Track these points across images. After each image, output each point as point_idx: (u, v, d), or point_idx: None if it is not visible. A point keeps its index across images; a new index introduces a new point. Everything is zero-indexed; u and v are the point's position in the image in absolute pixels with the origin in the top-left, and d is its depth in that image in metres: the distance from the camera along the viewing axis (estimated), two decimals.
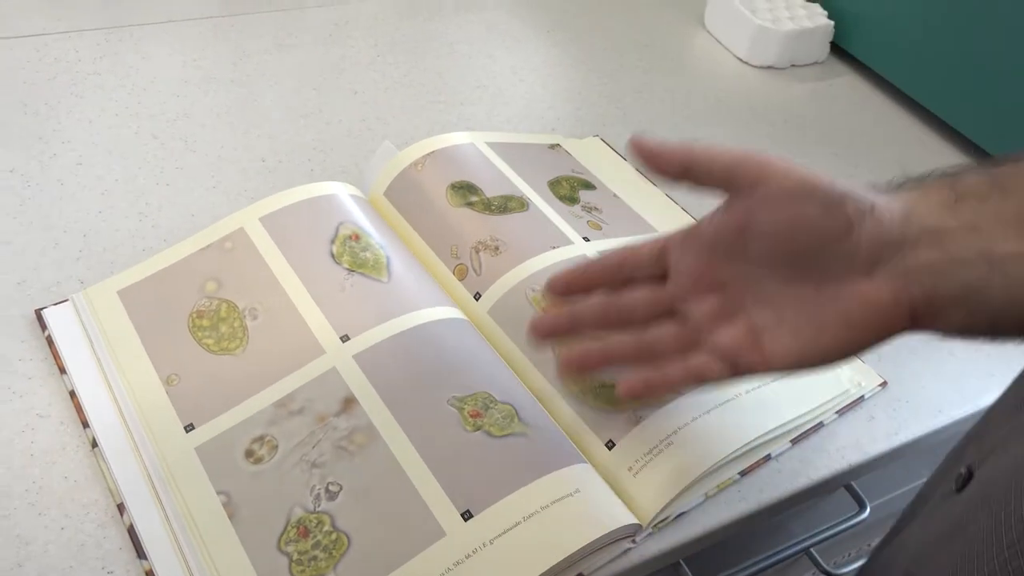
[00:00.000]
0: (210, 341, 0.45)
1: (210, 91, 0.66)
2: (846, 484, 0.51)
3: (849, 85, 0.81)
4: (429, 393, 0.43)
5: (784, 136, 0.73)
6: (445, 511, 0.39)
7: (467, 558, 0.37)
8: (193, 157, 0.60)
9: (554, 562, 0.37)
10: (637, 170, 0.65)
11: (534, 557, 0.38)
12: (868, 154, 0.72)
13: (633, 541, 0.42)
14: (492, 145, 0.59)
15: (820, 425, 0.49)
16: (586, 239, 0.53)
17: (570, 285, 0.41)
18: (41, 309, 0.47)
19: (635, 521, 0.41)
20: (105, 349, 0.45)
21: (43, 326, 0.46)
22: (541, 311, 0.45)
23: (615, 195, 0.60)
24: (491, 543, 0.38)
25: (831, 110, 0.77)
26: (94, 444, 0.42)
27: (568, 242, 0.53)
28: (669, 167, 0.39)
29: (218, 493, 0.40)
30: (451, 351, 0.45)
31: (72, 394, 0.44)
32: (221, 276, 0.48)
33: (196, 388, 0.43)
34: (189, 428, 0.42)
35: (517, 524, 0.38)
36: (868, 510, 0.52)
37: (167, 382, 0.44)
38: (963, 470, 0.35)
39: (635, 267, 0.40)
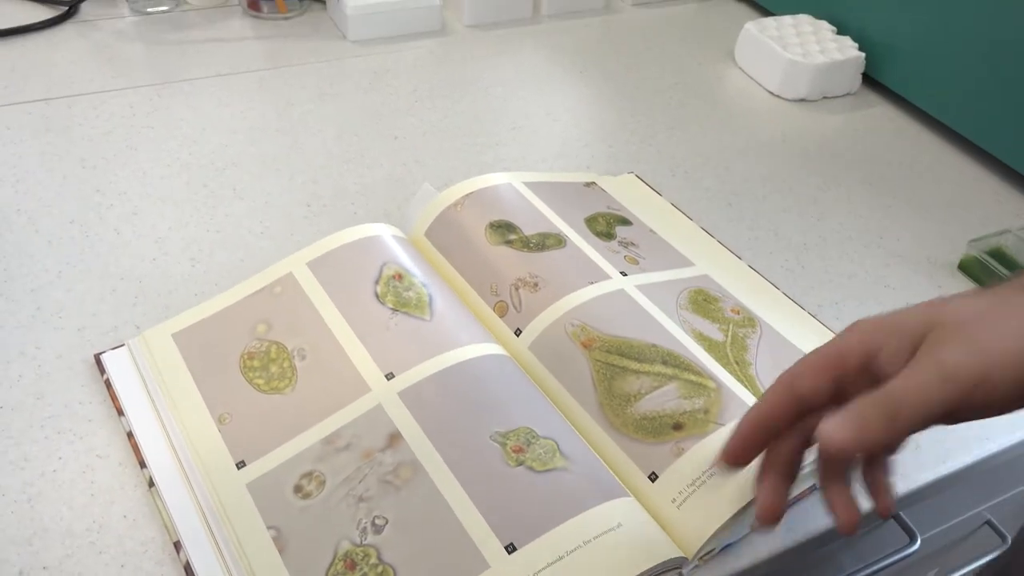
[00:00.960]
0: (260, 381, 0.47)
1: (256, 140, 0.69)
2: (895, 515, 0.51)
3: (883, 115, 0.81)
4: (472, 428, 0.44)
5: (819, 168, 0.73)
6: (489, 544, 0.39)
7: None
8: (241, 204, 0.63)
9: None
10: (673, 205, 0.65)
11: None
12: (904, 183, 0.72)
13: (680, 574, 0.41)
14: (529, 184, 0.61)
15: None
16: (623, 274, 0.54)
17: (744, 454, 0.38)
18: (100, 354, 0.49)
19: (680, 554, 0.41)
20: (160, 390, 0.47)
21: (102, 370, 0.49)
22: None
23: (651, 230, 0.61)
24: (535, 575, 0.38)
25: (865, 140, 0.77)
26: (151, 483, 0.43)
27: (606, 277, 0.53)
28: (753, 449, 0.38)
29: (268, 528, 0.41)
30: (493, 387, 0.46)
31: (129, 435, 0.45)
32: (271, 319, 0.49)
33: (247, 426, 0.45)
34: (241, 465, 0.43)
35: (560, 558, 0.39)
36: (919, 542, 0.51)
37: (219, 421, 0.45)
38: None
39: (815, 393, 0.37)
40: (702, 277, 0.57)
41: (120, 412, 0.46)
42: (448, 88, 0.78)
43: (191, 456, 0.44)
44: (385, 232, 0.55)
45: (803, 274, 0.62)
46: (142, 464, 0.44)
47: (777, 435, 0.38)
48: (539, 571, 0.38)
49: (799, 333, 0.54)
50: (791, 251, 0.64)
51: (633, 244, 0.58)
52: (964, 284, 0.63)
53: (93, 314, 0.53)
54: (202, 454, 0.44)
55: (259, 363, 0.47)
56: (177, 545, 0.41)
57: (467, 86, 0.79)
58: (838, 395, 0.36)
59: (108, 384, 0.48)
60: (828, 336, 0.55)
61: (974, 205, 0.71)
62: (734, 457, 0.38)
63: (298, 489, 0.42)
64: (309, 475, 0.42)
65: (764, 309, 0.55)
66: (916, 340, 0.34)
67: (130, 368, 0.48)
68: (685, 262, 0.58)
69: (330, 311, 0.49)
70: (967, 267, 0.63)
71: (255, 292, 0.51)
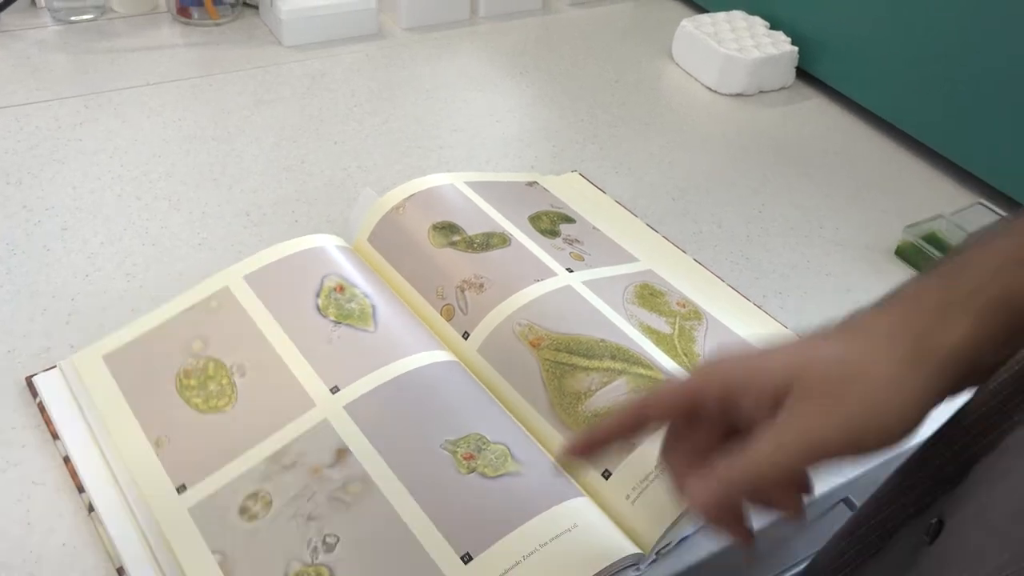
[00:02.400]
0: (198, 400, 0.45)
1: (191, 150, 0.67)
2: (844, 498, 0.52)
3: (817, 108, 0.82)
4: (422, 438, 0.43)
5: (758, 160, 0.74)
6: (445, 556, 0.39)
7: None
8: (178, 216, 0.61)
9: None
10: (617, 202, 0.66)
11: None
12: (841, 173, 0.74)
13: (637, 570, 0.41)
14: (471, 184, 0.60)
15: None
16: (569, 270, 0.54)
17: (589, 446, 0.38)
18: (31, 376, 0.47)
19: (637, 550, 0.41)
20: (93, 415, 0.45)
21: (34, 393, 0.47)
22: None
23: (595, 227, 0.61)
24: None
25: (801, 132, 0.79)
26: (90, 508, 0.42)
27: (552, 274, 0.53)
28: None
29: (213, 552, 0.39)
30: (442, 394, 0.45)
31: (66, 460, 0.44)
32: (207, 335, 0.48)
33: (186, 448, 0.43)
34: (181, 489, 0.42)
35: (518, 563, 0.38)
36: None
37: (156, 445, 0.44)
38: (935, 520, 0.34)
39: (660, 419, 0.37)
40: (646, 272, 0.57)
41: (55, 436, 0.45)
42: (388, 92, 0.77)
43: (129, 482, 0.42)
44: (326, 243, 0.54)
45: (747, 266, 0.62)
46: (80, 489, 0.42)
47: (616, 443, 0.38)
48: None
49: (744, 324, 0.55)
50: (735, 243, 0.64)
51: (578, 241, 0.58)
52: (902, 269, 0.64)
53: (23, 335, 0.51)
54: (140, 480, 0.42)
55: (196, 381, 0.46)
56: (120, 572, 0.39)
57: (407, 89, 0.78)
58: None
59: (41, 408, 0.46)
60: (773, 326, 0.56)
61: (908, 192, 0.73)
62: (576, 445, 0.38)
63: (244, 511, 0.41)
64: (255, 496, 0.41)
65: (709, 301, 0.56)
66: (779, 393, 0.33)
67: (63, 391, 0.46)
68: (629, 258, 0.58)
69: (270, 325, 0.48)
70: (904, 252, 0.65)
71: (189, 308, 0.49)
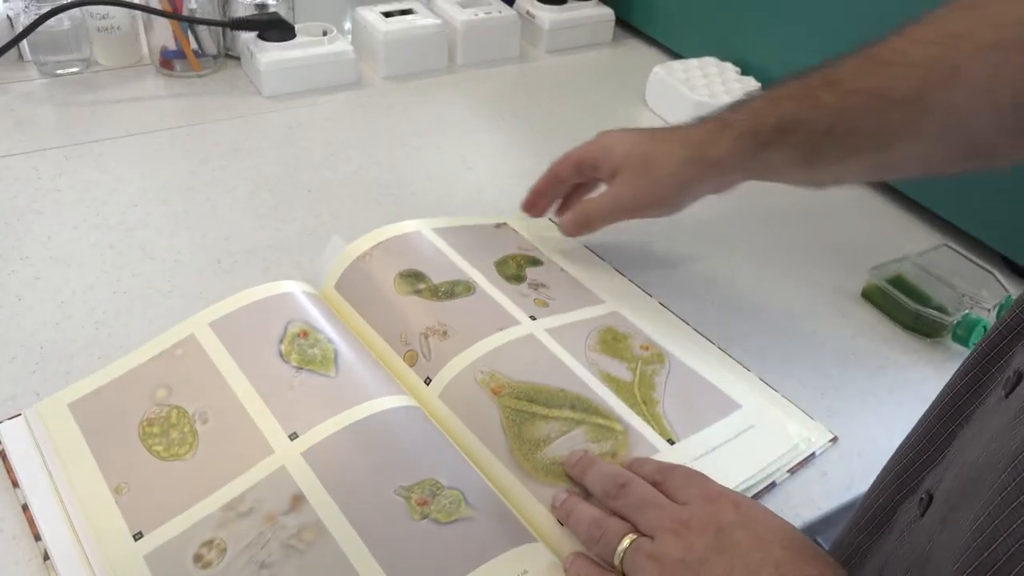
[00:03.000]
0: (160, 448, 0.46)
1: (167, 199, 0.69)
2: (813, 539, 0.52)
3: None
4: (376, 484, 0.43)
5: (727, 201, 0.74)
6: None
7: None
8: (150, 264, 0.62)
9: None
10: (585, 246, 0.67)
11: None
12: (809, 214, 0.75)
13: None
14: (439, 231, 0.61)
15: (773, 485, 0.49)
16: (533, 318, 0.55)
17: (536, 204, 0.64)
18: None
19: None
20: (56, 462, 0.45)
21: None
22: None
23: (562, 269, 0.62)
24: None
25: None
26: (46, 556, 0.42)
27: (515, 322, 0.54)
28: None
29: None
30: (399, 439, 0.46)
31: (25, 508, 0.44)
32: (171, 383, 0.48)
33: (145, 496, 0.44)
34: (138, 536, 0.42)
35: None
36: None
37: (116, 491, 0.44)
38: (924, 495, 0.37)
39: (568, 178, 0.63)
40: (612, 315, 0.58)
41: (15, 484, 0.45)
42: (363, 140, 0.79)
43: (87, 529, 0.42)
44: (293, 289, 0.55)
45: (711, 308, 0.63)
46: (37, 537, 0.43)
47: (553, 195, 0.64)
48: None
49: (707, 366, 0.55)
50: (701, 285, 0.65)
51: (543, 285, 0.59)
52: (867, 311, 0.65)
53: None
54: (97, 527, 0.42)
55: (159, 429, 0.46)
56: None
57: (383, 137, 0.80)
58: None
59: (3, 455, 0.46)
60: (736, 368, 0.56)
61: (875, 232, 0.74)
62: (530, 208, 0.64)
63: (198, 559, 0.41)
64: (209, 543, 0.41)
65: (673, 344, 0.56)
66: (615, 170, 0.59)
67: (26, 439, 0.47)
68: (595, 300, 0.59)
69: (233, 372, 0.48)
70: (869, 295, 0.66)
71: (155, 356, 0.50)
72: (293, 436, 0.45)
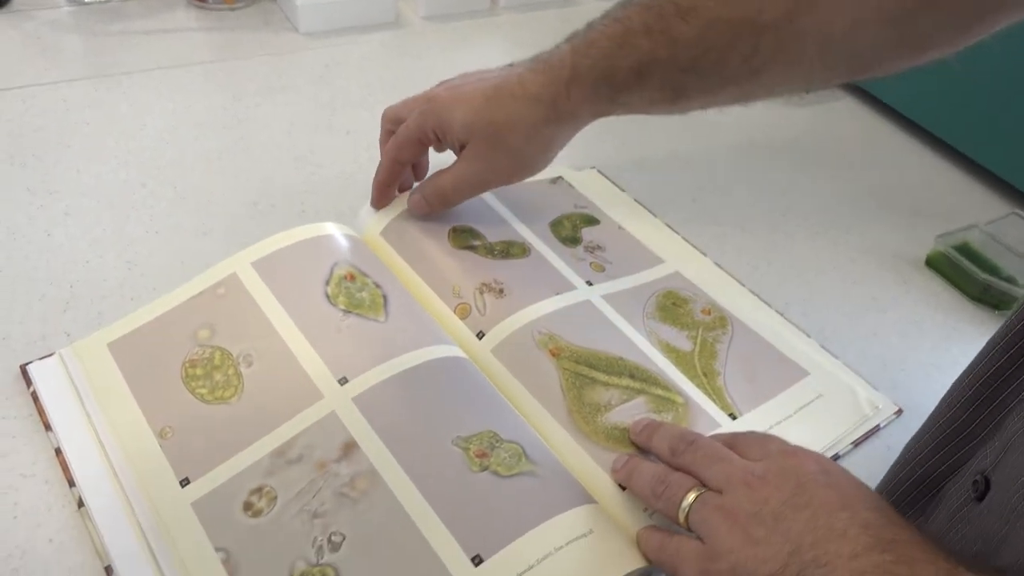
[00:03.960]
0: (204, 391, 0.43)
1: (200, 136, 0.66)
2: None
3: (847, 110, 0.80)
4: (432, 434, 0.41)
5: (784, 162, 0.72)
6: (454, 557, 0.37)
7: None
8: (183, 203, 0.59)
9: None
10: (636, 201, 0.64)
11: None
12: (869, 178, 0.72)
13: None
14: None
15: (836, 457, 0.47)
16: (589, 283, 0.52)
17: (386, 196, 0.56)
18: (26, 364, 0.45)
19: (650, 566, 0.38)
20: (95, 404, 0.43)
21: (28, 381, 0.45)
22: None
23: (620, 227, 0.59)
24: None
25: (830, 135, 0.77)
26: (80, 504, 0.40)
27: (571, 287, 0.51)
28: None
29: (217, 550, 0.37)
30: (453, 390, 0.43)
31: (58, 452, 0.42)
32: (214, 323, 0.46)
33: (191, 440, 0.41)
34: (184, 482, 0.40)
35: (531, 567, 0.36)
36: None
37: (160, 435, 0.42)
38: (979, 477, 0.35)
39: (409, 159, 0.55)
40: (673, 276, 0.55)
41: (47, 427, 0.43)
42: (403, 82, 0.75)
43: (130, 474, 0.40)
44: (336, 231, 0.52)
45: (769, 271, 0.60)
46: (71, 483, 0.40)
47: (399, 179, 0.55)
48: None
49: (771, 331, 0.52)
50: (757, 247, 0.62)
51: (599, 248, 0.56)
52: (931, 279, 0.62)
53: (19, 322, 0.49)
54: (141, 471, 0.40)
55: (202, 371, 0.44)
56: (108, 570, 0.37)
57: (423, 79, 0.76)
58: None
59: (35, 397, 0.44)
60: (798, 334, 0.53)
61: (939, 200, 0.70)
62: (383, 203, 0.55)
63: (248, 507, 0.39)
64: (259, 491, 0.39)
65: (735, 307, 0.53)
66: (462, 140, 0.51)
67: (61, 380, 0.44)
68: (655, 260, 0.56)
69: (278, 313, 0.46)
70: (934, 262, 0.63)
71: (196, 295, 0.47)
72: (343, 381, 0.43)
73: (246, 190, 0.61)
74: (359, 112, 0.71)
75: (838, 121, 0.79)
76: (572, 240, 0.56)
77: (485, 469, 0.40)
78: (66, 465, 0.41)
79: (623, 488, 0.41)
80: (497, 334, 0.47)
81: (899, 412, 0.50)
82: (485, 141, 0.50)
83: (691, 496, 0.37)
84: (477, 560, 0.36)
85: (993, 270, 0.60)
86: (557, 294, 0.50)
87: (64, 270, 0.53)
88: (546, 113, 0.49)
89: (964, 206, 0.69)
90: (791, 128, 0.77)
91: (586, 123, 0.52)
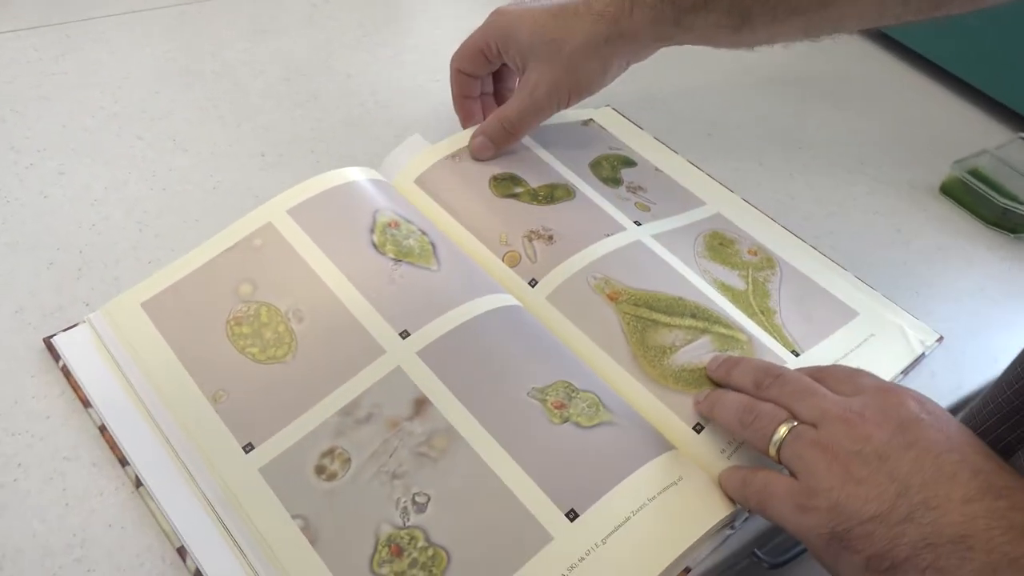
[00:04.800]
0: (255, 350, 0.41)
1: (191, 85, 0.61)
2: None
3: (848, 40, 0.80)
4: (506, 387, 0.39)
5: (792, 95, 0.71)
6: (548, 512, 0.35)
7: (580, 561, 0.34)
8: (185, 157, 0.55)
9: (674, 556, 0.35)
10: (656, 139, 0.62)
11: (652, 553, 0.35)
12: (874, 108, 0.72)
13: (732, 527, 0.39)
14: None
15: None
16: (637, 223, 0.51)
17: (469, 110, 0.56)
18: (51, 337, 0.42)
19: (734, 507, 0.38)
20: (137, 371, 0.40)
21: (55, 356, 0.41)
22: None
23: (656, 168, 0.57)
24: (604, 543, 0.35)
25: (833, 66, 0.76)
26: (137, 483, 0.37)
27: (621, 228, 0.50)
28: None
29: (294, 518, 0.35)
30: (519, 340, 0.42)
31: (102, 429, 0.39)
32: (255, 277, 0.43)
33: (248, 403, 0.39)
34: (248, 448, 0.38)
35: (628, 519, 0.35)
36: None
37: (214, 399, 0.39)
38: None
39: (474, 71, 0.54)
40: (715, 217, 0.54)
41: (86, 403, 0.39)
42: (396, 20, 0.72)
43: (187, 443, 0.38)
44: (365, 176, 0.49)
45: (794, 205, 0.60)
46: (123, 462, 0.38)
47: (473, 92, 0.56)
48: (607, 536, 0.35)
49: (816, 270, 0.52)
50: (778, 182, 0.62)
51: (641, 188, 0.54)
52: (947, 206, 0.62)
53: (30, 293, 0.45)
54: (200, 440, 0.38)
55: (249, 329, 0.41)
56: (182, 552, 0.35)
57: (417, 17, 0.73)
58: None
59: (66, 372, 0.40)
60: (838, 270, 0.53)
61: (945, 128, 0.71)
62: (469, 118, 0.56)
63: (320, 470, 0.37)
64: (331, 453, 0.37)
65: (779, 247, 0.53)
66: (525, 56, 0.51)
67: (93, 350, 0.41)
68: (696, 202, 0.55)
69: (324, 264, 0.43)
70: (950, 189, 0.63)
71: (231, 247, 0.44)
72: (404, 334, 0.41)
73: (251, 140, 0.57)
74: (357, 54, 0.67)
75: (840, 52, 0.78)
76: (613, 181, 0.54)
77: (566, 421, 0.38)
78: (114, 443, 0.38)
79: (698, 431, 0.40)
80: (551, 281, 0.46)
81: (940, 339, 0.51)
82: (545, 57, 0.50)
83: (783, 429, 0.36)
84: (572, 515, 0.35)
85: (1009, 194, 0.61)
86: (607, 236, 0.48)
87: (68, 234, 0.49)
88: (607, 30, 0.49)
89: (969, 134, 0.70)
90: (794, 59, 0.76)
91: (648, 49, 0.52)
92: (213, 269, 0.43)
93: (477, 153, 0.52)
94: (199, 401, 0.39)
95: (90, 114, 0.57)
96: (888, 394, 0.36)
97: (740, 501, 0.37)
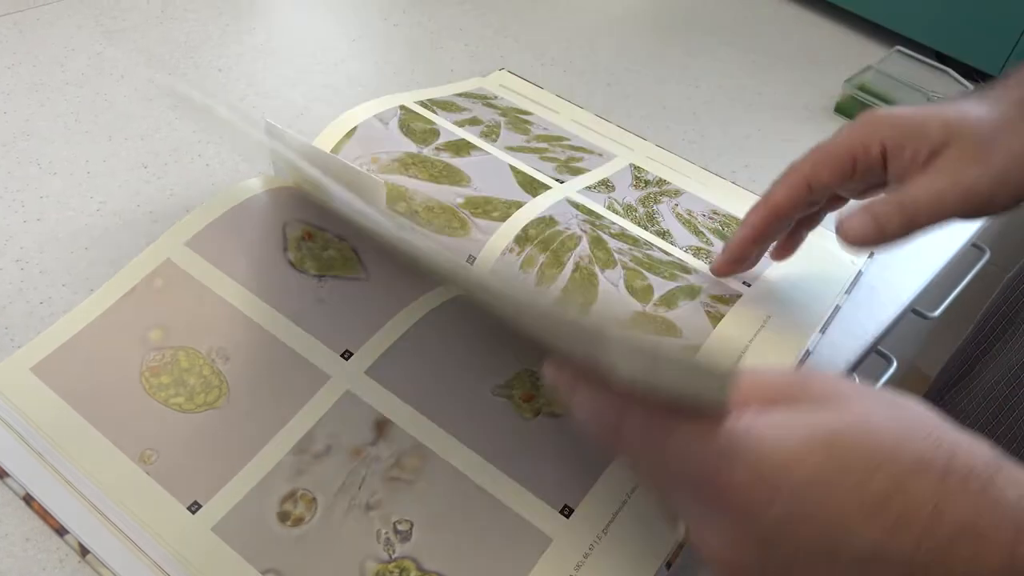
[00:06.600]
0: (180, 399, 0.37)
1: (45, 99, 0.54)
2: (876, 348, 0.52)
3: None
4: (468, 389, 0.37)
5: (677, 35, 0.71)
6: (541, 514, 0.34)
7: (586, 558, 0.33)
8: (57, 181, 0.49)
9: (681, 538, 0.34)
10: (558, 96, 0.60)
11: (658, 530, 0.34)
12: (757, 40, 0.72)
13: None
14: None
15: (837, 308, 0.48)
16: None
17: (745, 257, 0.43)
18: None
19: None
20: (43, 443, 0.35)
21: None
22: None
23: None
24: (605, 532, 0.33)
25: (709, 3, 0.76)
26: (83, 551, 0.33)
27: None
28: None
29: (264, 573, 0.32)
30: (469, 336, 0.39)
31: (28, 499, 0.34)
32: (164, 321, 0.38)
33: (184, 459, 0.35)
34: (194, 508, 0.34)
35: (624, 503, 0.34)
36: (895, 363, 0.55)
37: (143, 461, 0.35)
38: None
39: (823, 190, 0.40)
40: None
41: (2, 473, 0.35)
42: (258, 5, 0.66)
43: (122, 514, 0.34)
44: (266, 187, 0.44)
45: (704, 143, 0.59)
46: (60, 531, 0.33)
47: (776, 233, 0.42)
48: (607, 525, 0.34)
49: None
50: (685, 122, 0.61)
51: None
52: (841, 124, 0.64)
53: None
54: (135, 509, 0.34)
55: (169, 378, 0.37)
56: None
57: (280, 4, 0.67)
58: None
59: None
60: (750, 199, 0.53)
61: (823, 51, 0.72)
62: (734, 266, 0.43)
63: (284, 516, 0.34)
64: (292, 496, 0.34)
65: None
66: (936, 148, 0.37)
67: None
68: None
69: (240, 295, 0.39)
70: (844, 108, 0.64)
71: (128, 292, 0.39)
72: (346, 355, 0.38)
73: (127, 152, 0.52)
74: (226, 47, 0.61)
75: None
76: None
77: (539, 413, 0.37)
78: (45, 512, 0.34)
79: None
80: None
81: (872, 254, 0.52)
82: (967, 152, 0.36)
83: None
84: (566, 511, 0.34)
85: (897, 104, 0.62)
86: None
87: None
88: None
89: (848, 55, 0.71)
90: (676, 4, 0.75)
91: None
92: (112, 319, 0.38)
93: (852, 235, 0.38)
94: (125, 466, 0.34)
95: None
96: (736, 503, 0.24)
97: None
